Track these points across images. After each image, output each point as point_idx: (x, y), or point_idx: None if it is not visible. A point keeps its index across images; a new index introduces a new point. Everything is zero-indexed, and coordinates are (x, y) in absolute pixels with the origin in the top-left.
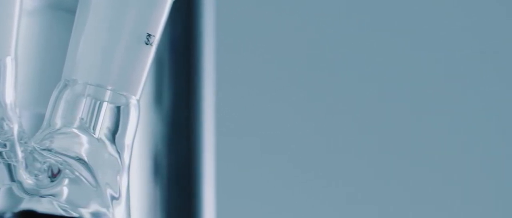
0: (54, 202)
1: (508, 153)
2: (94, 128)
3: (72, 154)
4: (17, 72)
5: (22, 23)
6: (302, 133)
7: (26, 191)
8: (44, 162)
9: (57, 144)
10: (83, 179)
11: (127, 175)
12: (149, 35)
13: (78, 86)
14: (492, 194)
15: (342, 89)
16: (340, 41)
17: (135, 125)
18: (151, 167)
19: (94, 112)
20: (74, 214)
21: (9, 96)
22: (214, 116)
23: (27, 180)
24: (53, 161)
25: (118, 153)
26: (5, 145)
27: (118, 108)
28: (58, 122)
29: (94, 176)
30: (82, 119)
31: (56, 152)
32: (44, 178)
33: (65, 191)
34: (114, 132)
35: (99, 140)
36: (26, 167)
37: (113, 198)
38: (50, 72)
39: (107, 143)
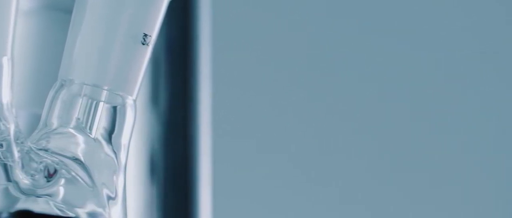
0: (51, 202)
1: (508, 153)
2: (90, 128)
3: (69, 154)
4: (13, 72)
5: (18, 23)
6: (298, 133)
7: (22, 191)
8: (41, 162)
9: (54, 144)
10: (80, 179)
11: (124, 175)
12: (145, 35)
13: (75, 86)
14: (492, 194)
15: (339, 90)
16: (338, 42)
17: (131, 125)
18: (147, 167)
19: (91, 112)
20: (71, 214)
21: (6, 96)
22: (210, 116)
23: (24, 180)
24: (49, 161)
25: (115, 153)
26: (1, 145)
27: (115, 108)
28: (55, 122)
29: (90, 176)
30: (78, 118)
31: (53, 152)
32: (40, 178)
33: (62, 191)
34: (111, 132)
35: (95, 140)
36: (23, 167)
37: (109, 198)
38: (47, 72)
39: (104, 143)
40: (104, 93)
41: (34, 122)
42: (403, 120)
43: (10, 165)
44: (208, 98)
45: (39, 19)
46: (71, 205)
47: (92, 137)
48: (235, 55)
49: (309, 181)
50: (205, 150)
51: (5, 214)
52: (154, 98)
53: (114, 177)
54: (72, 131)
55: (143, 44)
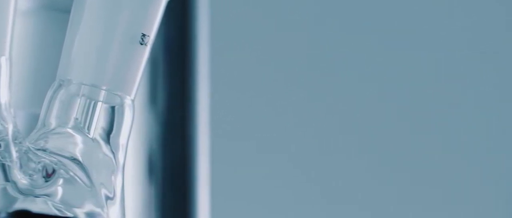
0: (49, 202)
1: (508, 153)
2: (88, 128)
3: (67, 154)
4: (11, 72)
5: (16, 23)
6: (296, 133)
7: (20, 191)
8: (39, 162)
9: (52, 144)
10: (78, 179)
11: (122, 175)
12: (143, 35)
13: (73, 86)
14: (492, 194)
15: (337, 90)
16: (336, 42)
17: (129, 125)
18: (145, 166)
19: (89, 112)
20: (69, 214)
21: (4, 96)
22: (208, 116)
23: (22, 180)
24: (47, 161)
25: (113, 153)
26: None
27: (113, 108)
28: (53, 122)
29: (88, 176)
30: (76, 119)
31: (51, 152)
32: (38, 178)
33: (60, 191)
34: (109, 132)
35: (93, 140)
36: (21, 167)
37: (107, 198)
38: (45, 72)
39: (102, 143)
40: (102, 93)
41: (33, 122)
42: (402, 120)
43: (8, 165)
44: (206, 99)
45: (37, 19)
46: (69, 205)
47: (90, 137)
48: (233, 56)
49: (307, 181)
50: (203, 150)
51: (3, 214)
52: (153, 98)
53: (112, 177)
54: (70, 131)
55: (141, 44)
